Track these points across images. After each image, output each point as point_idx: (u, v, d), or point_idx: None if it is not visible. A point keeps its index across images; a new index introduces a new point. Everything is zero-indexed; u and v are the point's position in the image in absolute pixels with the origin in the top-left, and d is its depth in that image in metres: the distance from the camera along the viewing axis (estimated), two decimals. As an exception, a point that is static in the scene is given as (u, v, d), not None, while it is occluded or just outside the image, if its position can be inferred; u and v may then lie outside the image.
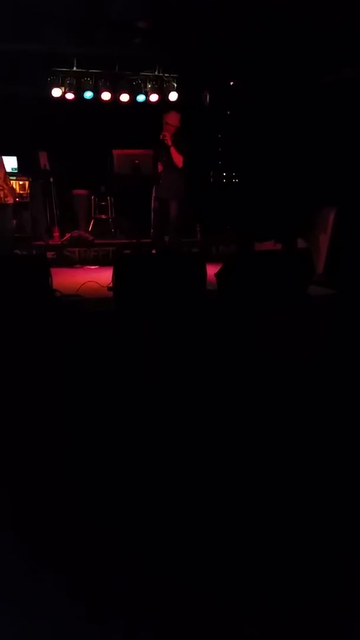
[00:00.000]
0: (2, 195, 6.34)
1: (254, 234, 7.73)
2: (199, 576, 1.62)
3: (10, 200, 6.44)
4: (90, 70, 8.75)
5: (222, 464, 2.25)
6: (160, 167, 6.48)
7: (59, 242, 8.29)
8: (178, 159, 6.37)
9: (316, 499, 1.99)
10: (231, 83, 9.20)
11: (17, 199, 6.72)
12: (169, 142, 6.34)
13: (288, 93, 7.95)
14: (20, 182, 7.95)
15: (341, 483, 2.11)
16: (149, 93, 8.95)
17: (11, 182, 6.59)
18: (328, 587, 1.58)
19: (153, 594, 1.54)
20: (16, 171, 8.02)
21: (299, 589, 1.57)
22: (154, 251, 6.70)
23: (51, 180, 8.59)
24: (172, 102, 8.89)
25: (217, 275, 5.33)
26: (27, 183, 8.03)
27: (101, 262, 7.82)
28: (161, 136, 6.35)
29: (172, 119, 6.46)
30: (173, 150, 6.32)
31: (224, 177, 9.60)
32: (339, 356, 3.65)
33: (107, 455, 2.30)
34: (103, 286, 5.53)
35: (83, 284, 5.79)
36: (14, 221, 7.32)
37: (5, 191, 6.37)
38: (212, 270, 5.37)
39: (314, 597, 1.54)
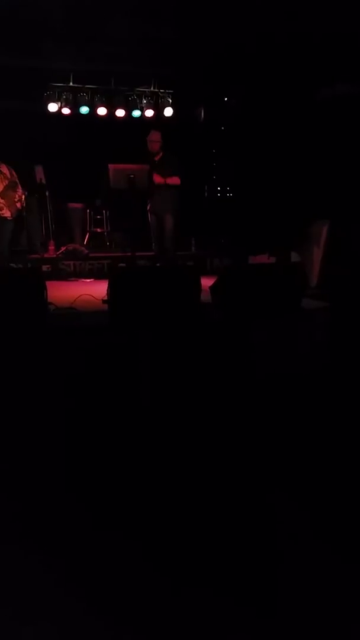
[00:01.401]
0: None
1: (248, 248, 7.78)
2: (200, 576, 1.63)
3: (7, 213, 6.46)
4: (87, 86, 8.85)
5: (217, 475, 2.25)
6: (156, 179, 6.62)
7: (54, 255, 8.32)
8: (176, 181, 6.56)
9: (312, 508, 2.00)
10: (225, 99, 9.32)
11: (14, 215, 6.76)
12: (156, 159, 6.55)
13: (282, 108, 8.05)
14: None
15: (336, 491, 2.12)
16: (144, 108, 9.05)
17: (16, 194, 6.61)
18: (327, 588, 1.59)
19: (154, 594, 1.55)
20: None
21: (299, 589, 1.58)
22: (158, 264, 6.81)
23: (47, 194, 8.65)
24: (167, 117, 9.00)
25: (211, 288, 5.36)
26: (23, 197, 8.07)
27: (96, 275, 7.85)
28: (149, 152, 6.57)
29: (154, 137, 6.73)
30: (169, 180, 6.51)
31: (219, 191, 9.68)
32: (333, 369, 3.67)
33: (103, 466, 2.31)
34: (98, 299, 5.54)
35: (78, 297, 5.80)
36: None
37: (2, 204, 6.40)
38: (206, 283, 5.40)
39: (312, 596, 1.54)
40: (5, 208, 6.43)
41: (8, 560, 1.70)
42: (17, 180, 6.53)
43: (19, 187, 6.57)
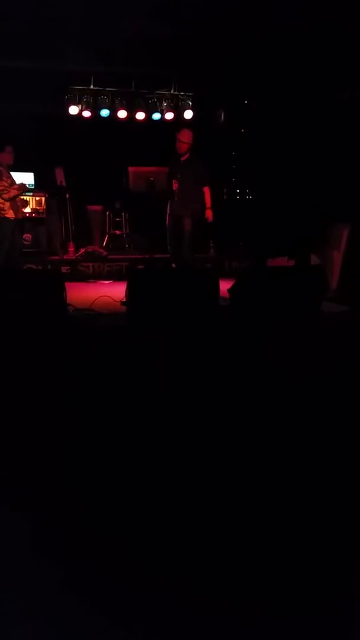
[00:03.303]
0: (5, 207, 6.40)
1: (267, 250, 7.75)
2: (200, 577, 1.62)
3: (10, 215, 6.44)
4: (107, 89, 8.90)
5: (232, 475, 2.25)
6: (175, 185, 6.54)
7: (74, 257, 8.38)
8: (176, 188, 6.46)
9: (319, 508, 1.98)
10: (246, 101, 9.30)
11: (23, 215, 6.78)
12: (183, 159, 6.46)
13: (302, 110, 8.01)
14: (37, 198, 8.06)
15: (344, 493, 2.10)
16: (164, 111, 9.07)
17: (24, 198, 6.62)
18: (327, 589, 1.58)
19: (154, 594, 1.55)
20: (33, 187, 8.14)
21: (298, 590, 1.57)
22: (174, 266, 6.77)
23: (67, 196, 8.72)
24: (187, 120, 9.00)
25: (230, 291, 5.34)
26: (43, 199, 8.14)
27: (115, 277, 7.88)
28: (176, 148, 6.49)
29: (185, 137, 6.57)
30: (187, 168, 6.43)
31: (238, 193, 9.66)
32: (352, 373, 3.63)
33: (115, 466, 2.31)
34: (116, 301, 5.56)
35: (97, 298, 5.83)
36: (27, 236, 7.39)
37: (5, 206, 6.39)
38: (225, 285, 5.39)
39: (314, 599, 1.54)
40: (8, 210, 6.41)
41: (8, 560, 1.71)
42: (6, 185, 6.48)
43: (8, 193, 6.48)
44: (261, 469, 2.32)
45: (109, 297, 5.86)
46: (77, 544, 1.79)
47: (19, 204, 6.71)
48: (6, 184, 6.40)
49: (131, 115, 8.98)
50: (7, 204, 6.39)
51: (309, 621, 1.48)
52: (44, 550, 1.75)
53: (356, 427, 2.77)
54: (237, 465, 2.35)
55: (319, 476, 2.28)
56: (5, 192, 6.35)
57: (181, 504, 2.04)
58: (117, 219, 9.30)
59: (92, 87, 8.86)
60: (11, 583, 1.60)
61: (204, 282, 5.39)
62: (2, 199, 6.34)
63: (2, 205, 6.35)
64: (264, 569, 1.69)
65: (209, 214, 6.52)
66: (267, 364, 3.86)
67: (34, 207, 8.01)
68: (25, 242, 7.62)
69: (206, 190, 6.52)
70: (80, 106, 8.77)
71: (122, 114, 8.93)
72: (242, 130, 9.53)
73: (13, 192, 6.44)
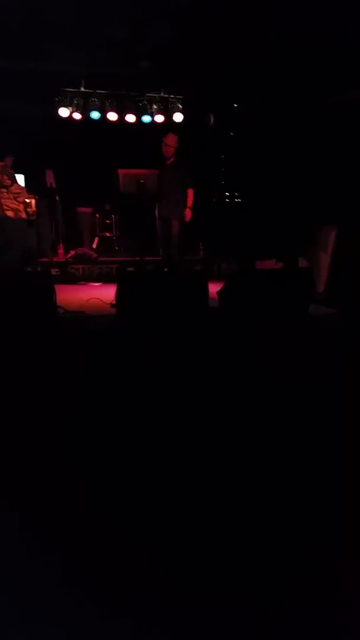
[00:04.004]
0: (20, 209, 6.53)
1: (256, 253, 7.81)
2: (200, 576, 1.64)
3: (24, 215, 6.61)
4: (98, 91, 8.93)
5: (222, 475, 2.28)
6: (162, 186, 6.64)
7: (64, 259, 8.39)
8: (180, 179, 6.56)
9: (310, 508, 2.02)
10: (235, 105, 9.36)
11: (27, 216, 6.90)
12: (168, 163, 6.56)
13: (290, 113, 8.09)
14: (27, 200, 8.09)
15: (332, 493, 2.14)
16: (154, 114, 9.11)
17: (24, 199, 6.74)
18: (326, 589, 1.61)
19: (155, 594, 1.57)
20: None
21: (298, 589, 1.60)
22: (166, 269, 6.84)
23: (57, 198, 8.73)
24: (177, 122, 9.05)
25: (219, 293, 5.39)
26: (33, 201, 8.16)
27: (105, 279, 7.91)
28: (162, 152, 6.63)
29: (171, 141, 6.68)
30: (172, 171, 6.53)
31: (227, 196, 9.72)
32: (339, 375, 3.68)
33: (111, 467, 2.34)
34: (106, 303, 5.59)
35: (87, 300, 5.85)
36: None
37: (20, 208, 6.53)
38: (214, 288, 5.43)
39: (312, 597, 1.57)
40: (22, 211, 6.55)
41: (8, 559, 1.73)
42: (6, 184, 6.53)
43: (9, 191, 6.57)
44: (252, 468, 2.36)
45: (99, 299, 5.88)
46: (77, 543, 1.80)
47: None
48: (20, 188, 6.53)
49: (121, 117, 9.02)
50: (22, 206, 6.53)
51: (308, 620, 1.50)
52: (43, 551, 1.76)
53: (343, 427, 2.82)
54: (227, 465, 2.39)
55: (308, 476, 2.32)
56: (20, 194, 6.49)
57: (175, 503, 2.08)
58: (107, 221, 9.32)
59: (82, 89, 8.88)
60: (11, 584, 1.61)
61: (193, 285, 5.43)
62: (17, 201, 6.46)
63: (18, 207, 6.47)
64: (262, 566, 1.71)
65: (187, 213, 6.60)
66: (256, 365, 3.91)
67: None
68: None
69: (189, 192, 6.61)
70: (70, 108, 8.79)
71: (112, 116, 8.96)
72: (232, 134, 9.60)
73: (25, 195, 6.57)
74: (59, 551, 1.76)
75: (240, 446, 2.59)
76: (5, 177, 6.47)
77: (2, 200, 6.46)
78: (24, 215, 6.67)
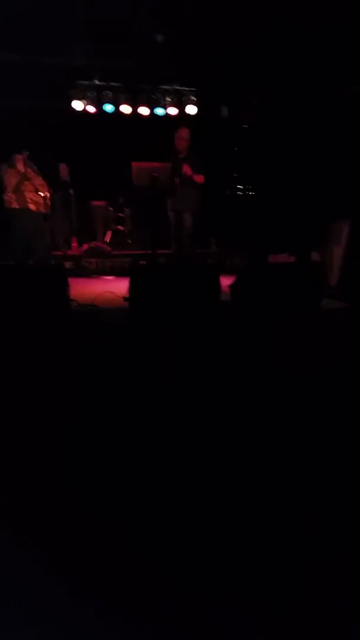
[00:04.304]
0: (40, 202, 6.63)
1: (268, 247, 7.79)
2: (202, 576, 1.66)
3: (32, 207, 6.66)
4: (111, 84, 8.92)
5: (231, 470, 2.30)
6: (176, 180, 6.65)
7: (77, 253, 8.43)
8: (199, 179, 6.62)
9: (318, 506, 2.03)
10: (249, 97, 9.31)
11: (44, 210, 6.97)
12: (181, 156, 6.58)
13: (305, 106, 8.02)
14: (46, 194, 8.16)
15: (343, 491, 2.15)
16: (167, 106, 9.09)
17: (28, 191, 6.78)
18: (326, 586, 1.62)
19: (156, 594, 1.58)
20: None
21: (298, 588, 1.61)
22: (178, 263, 6.86)
23: (70, 191, 8.75)
24: (190, 115, 9.02)
25: (231, 286, 5.39)
26: (48, 194, 8.20)
27: (117, 273, 7.93)
28: (175, 145, 6.65)
29: (183, 134, 6.69)
30: (195, 178, 6.56)
31: (240, 189, 9.69)
32: (351, 369, 3.68)
33: (119, 461, 2.37)
34: (119, 296, 5.61)
35: (99, 294, 5.88)
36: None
37: (12, 198, 6.57)
38: (226, 281, 5.43)
39: (313, 595, 1.58)
40: (14, 202, 6.58)
41: (9, 558, 1.74)
42: (31, 177, 6.62)
43: (32, 184, 6.65)
44: (262, 464, 2.37)
45: (112, 292, 5.91)
46: (79, 543, 1.81)
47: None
48: (42, 181, 6.69)
49: (135, 110, 9.01)
50: (42, 199, 6.67)
51: (307, 617, 1.52)
52: (45, 552, 1.77)
53: (356, 423, 2.83)
54: (238, 461, 2.40)
55: (319, 472, 2.33)
56: (42, 188, 6.58)
57: (183, 500, 2.09)
58: (120, 215, 9.33)
59: (96, 82, 8.88)
60: (14, 586, 1.62)
61: (205, 279, 5.43)
62: (39, 194, 6.56)
63: (39, 200, 6.57)
64: (264, 564, 1.72)
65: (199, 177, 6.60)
66: (267, 359, 3.91)
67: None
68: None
69: (201, 178, 6.62)
70: (84, 101, 8.79)
71: (126, 109, 8.95)
72: (245, 126, 9.55)
73: (45, 189, 6.73)
74: (59, 550, 1.77)
75: (251, 440, 2.61)
76: (29, 170, 6.55)
77: (25, 193, 6.54)
78: (43, 209, 6.73)
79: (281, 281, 5.45)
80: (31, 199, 6.61)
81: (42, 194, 6.68)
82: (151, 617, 1.51)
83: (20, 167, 6.53)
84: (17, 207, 6.54)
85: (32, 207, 6.62)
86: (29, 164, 6.60)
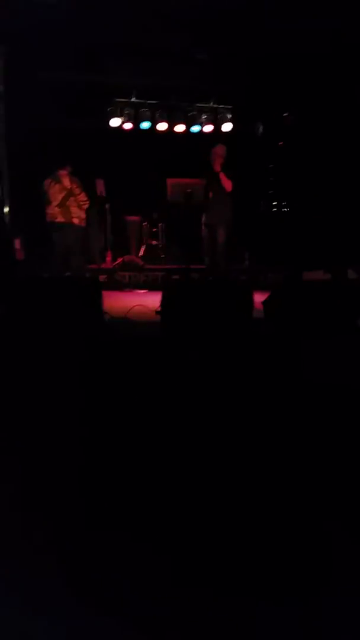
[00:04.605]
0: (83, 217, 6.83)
1: (303, 263, 7.71)
2: (202, 576, 1.64)
3: (76, 221, 6.80)
4: (148, 102, 9.07)
5: (266, 493, 2.26)
6: (210, 195, 6.72)
7: (111, 266, 8.52)
8: (227, 184, 6.62)
9: (343, 516, 1.98)
10: (284, 114, 9.33)
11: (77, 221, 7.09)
12: (218, 168, 6.62)
13: (340, 122, 7.98)
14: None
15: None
16: (203, 124, 9.18)
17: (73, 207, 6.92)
18: (326, 587, 1.60)
19: (157, 594, 1.56)
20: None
21: (299, 589, 1.59)
22: (211, 278, 6.88)
23: (106, 206, 8.89)
24: (226, 132, 9.08)
25: (264, 303, 5.34)
26: (79, 212, 8.34)
27: (150, 287, 7.96)
28: (210, 160, 6.74)
29: (220, 151, 6.76)
30: (222, 176, 6.58)
31: (275, 206, 9.67)
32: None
33: (149, 472, 2.35)
34: (151, 310, 5.62)
35: (132, 307, 5.91)
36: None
37: (58, 212, 6.72)
38: (259, 298, 5.38)
39: (312, 596, 1.55)
40: (59, 216, 6.74)
41: (8, 558, 1.74)
42: (76, 193, 6.79)
43: (76, 200, 6.81)
44: (295, 486, 2.32)
45: (144, 306, 5.93)
46: (80, 541, 1.80)
47: None
48: (86, 197, 6.93)
49: (171, 127, 9.12)
50: (84, 214, 6.87)
51: (308, 614, 1.49)
52: (45, 548, 1.76)
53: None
54: (270, 483, 2.36)
55: (349, 495, 2.27)
56: (85, 203, 6.76)
57: (210, 515, 2.06)
58: (154, 230, 9.41)
59: (133, 99, 9.04)
60: (14, 582, 1.62)
61: (238, 294, 5.40)
62: (81, 209, 6.77)
63: (81, 215, 6.77)
64: (268, 564, 1.70)
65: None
66: (300, 379, 3.85)
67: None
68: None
69: (230, 183, 6.70)
70: (122, 118, 8.96)
71: (162, 126, 9.07)
72: (280, 143, 9.55)
73: (87, 205, 6.97)
74: (59, 550, 1.76)
75: (281, 455, 2.56)
76: (74, 186, 6.73)
77: (71, 208, 6.71)
78: (84, 224, 6.91)
79: (316, 299, 5.37)
80: (76, 214, 6.77)
81: (84, 209, 6.86)
82: (150, 618, 1.49)
83: (67, 182, 6.72)
84: (62, 220, 6.73)
85: (76, 221, 6.79)
86: (74, 180, 6.77)
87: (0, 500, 2.08)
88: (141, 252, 9.24)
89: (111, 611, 1.51)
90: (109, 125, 8.97)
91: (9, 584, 1.62)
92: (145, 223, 9.35)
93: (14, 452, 2.50)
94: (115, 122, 8.95)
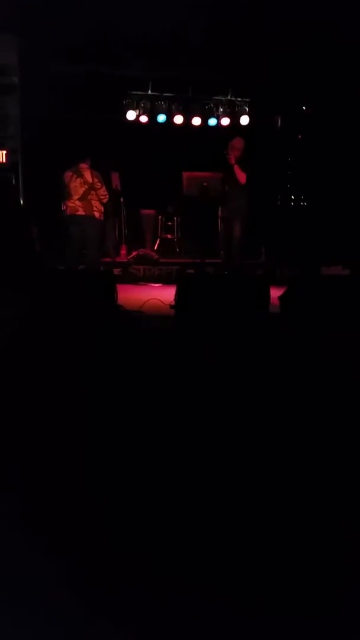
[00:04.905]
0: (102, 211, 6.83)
1: (321, 258, 7.61)
2: (203, 576, 1.61)
3: (81, 212, 6.76)
4: (164, 94, 8.99)
5: (282, 492, 2.21)
6: (226, 188, 6.65)
7: (126, 260, 8.49)
8: (241, 176, 6.53)
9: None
10: (303, 107, 9.20)
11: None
12: (232, 161, 6.54)
13: (358, 115, 7.86)
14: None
15: None
16: (220, 117, 9.09)
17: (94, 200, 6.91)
18: (327, 589, 1.56)
19: (157, 594, 1.54)
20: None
21: (299, 590, 1.55)
22: (226, 272, 6.82)
23: (121, 199, 8.85)
24: (243, 125, 8.98)
25: (280, 298, 5.27)
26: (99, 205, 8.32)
27: (165, 281, 7.92)
28: (226, 153, 6.65)
29: (238, 144, 6.68)
30: (236, 168, 6.50)
31: (292, 200, 9.55)
32: None
33: (160, 468, 2.31)
34: (165, 304, 5.59)
35: (146, 301, 5.88)
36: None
37: (79, 206, 6.71)
38: (276, 293, 5.32)
39: (314, 599, 1.52)
40: (80, 209, 6.71)
41: (8, 557, 1.72)
42: (97, 187, 6.77)
43: (97, 194, 6.79)
44: (310, 486, 2.27)
45: (159, 300, 5.90)
46: (80, 542, 1.78)
47: None
48: (106, 191, 6.90)
49: (187, 120, 9.04)
50: (103, 208, 6.86)
51: (309, 621, 1.46)
52: (44, 549, 1.74)
53: None
54: (289, 481, 2.31)
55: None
56: (105, 197, 6.84)
57: (222, 517, 2.02)
58: (169, 223, 9.36)
59: (150, 92, 8.98)
60: (10, 583, 1.60)
61: (254, 289, 5.34)
62: (102, 203, 6.77)
63: (101, 209, 6.80)
64: (274, 570, 1.66)
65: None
66: (318, 373, 3.79)
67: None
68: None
69: (244, 175, 6.60)
70: (137, 111, 8.90)
71: (178, 119, 9.00)
72: (299, 137, 9.43)
73: (106, 199, 6.92)
74: (59, 548, 1.74)
75: (298, 453, 2.51)
76: (96, 180, 6.73)
77: (92, 202, 6.71)
78: (102, 218, 6.95)
79: (334, 294, 5.29)
80: (97, 207, 6.76)
81: (104, 203, 6.85)
82: (151, 618, 1.47)
83: (88, 176, 6.70)
84: (83, 214, 6.69)
85: (97, 214, 6.78)
86: (95, 174, 6.76)
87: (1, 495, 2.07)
88: (156, 246, 9.20)
89: (111, 611, 1.49)
90: (125, 118, 8.92)
91: (8, 583, 1.60)
92: (161, 216, 9.30)
93: (30, 437, 2.49)
94: (131, 115, 8.90)
